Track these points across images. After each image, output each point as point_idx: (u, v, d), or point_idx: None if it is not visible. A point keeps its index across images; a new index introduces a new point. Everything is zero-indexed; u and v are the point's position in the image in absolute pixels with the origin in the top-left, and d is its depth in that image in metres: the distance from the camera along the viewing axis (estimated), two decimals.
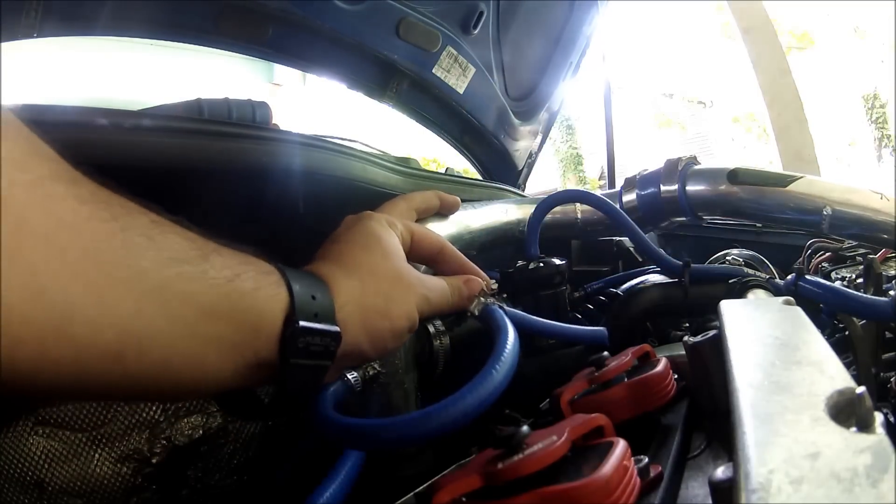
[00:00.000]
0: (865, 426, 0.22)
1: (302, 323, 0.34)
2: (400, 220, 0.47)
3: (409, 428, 0.34)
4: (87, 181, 0.28)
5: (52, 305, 0.25)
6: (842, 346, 0.61)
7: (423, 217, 0.58)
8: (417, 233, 0.48)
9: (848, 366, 0.45)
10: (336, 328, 0.36)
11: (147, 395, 0.46)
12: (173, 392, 0.39)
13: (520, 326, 0.47)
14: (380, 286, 0.40)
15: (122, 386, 0.30)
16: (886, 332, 0.61)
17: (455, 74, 1.22)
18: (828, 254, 0.96)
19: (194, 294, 0.30)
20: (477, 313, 0.48)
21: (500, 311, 0.47)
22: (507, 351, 0.39)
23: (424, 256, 0.49)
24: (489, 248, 0.76)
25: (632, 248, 1.05)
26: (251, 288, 0.33)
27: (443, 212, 0.61)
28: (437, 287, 0.45)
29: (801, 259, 1.00)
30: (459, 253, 0.50)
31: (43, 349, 0.25)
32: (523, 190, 1.50)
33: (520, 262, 0.71)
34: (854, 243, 0.93)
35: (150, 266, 0.29)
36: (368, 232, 0.43)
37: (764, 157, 9.56)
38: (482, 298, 0.49)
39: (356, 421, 0.36)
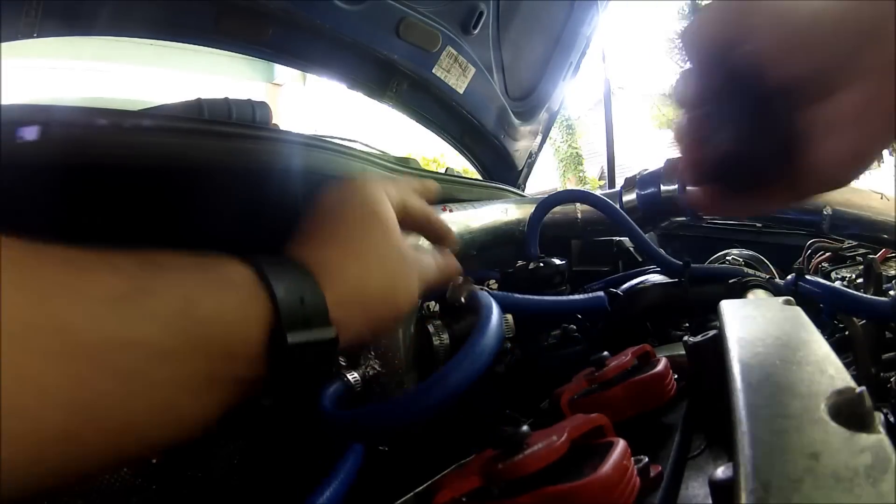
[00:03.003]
0: (865, 426, 0.22)
1: (291, 339, 0.29)
2: (393, 184, 0.42)
3: (405, 409, 0.34)
4: None
5: None
6: (842, 346, 0.61)
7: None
8: (408, 200, 0.43)
9: (848, 366, 0.45)
10: (331, 334, 0.31)
11: (129, 461, 0.41)
12: (153, 447, 0.30)
13: (513, 308, 0.46)
14: (384, 270, 0.36)
15: (98, 462, 0.26)
16: (886, 332, 0.61)
17: (455, 74, 1.22)
18: (828, 254, 0.96)
19: (142, 339, 0.25)
20: (464, 301, 0.48)
21: (485, 293, 0.46)
22: (491, 324, 0.37)
23: (413, 225, 0.44)
24: (489, 248, 0.76)
25: (632, 248, 1.05)
26: (213, 312, 0.27)
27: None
28: (429, 264, 0.42)
29: (801, 259, 1.00)
30: (443, 220, 0.47)
31: None
32: (523, 190, 1.50)
33: (520, 262, 0.71)
34: (854, 243, 0.93)
35: (75, 319, 0.23)
36: (367, 203, 0.38)
37: None
38: (468, 287, 0.49)
39: (355, 410, 0.37)
